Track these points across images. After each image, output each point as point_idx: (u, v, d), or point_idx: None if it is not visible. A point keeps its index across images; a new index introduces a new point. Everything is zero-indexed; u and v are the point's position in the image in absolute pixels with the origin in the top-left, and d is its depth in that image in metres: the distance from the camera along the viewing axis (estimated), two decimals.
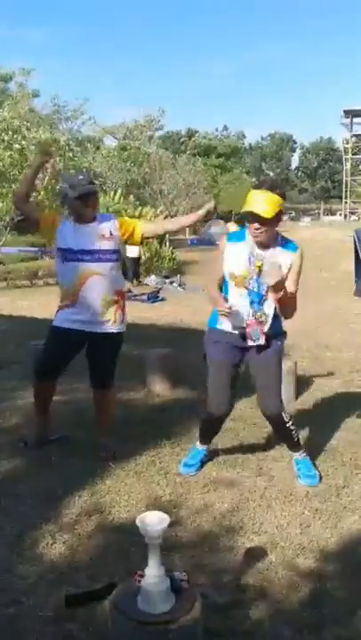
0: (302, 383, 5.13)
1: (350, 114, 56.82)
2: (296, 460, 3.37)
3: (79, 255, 3.42)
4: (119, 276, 3.61)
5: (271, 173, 69.73)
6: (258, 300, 3.07)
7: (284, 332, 3.26)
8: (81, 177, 3.46)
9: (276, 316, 3.13)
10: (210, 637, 2.00)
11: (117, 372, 3.70)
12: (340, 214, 55.44)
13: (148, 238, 3.68)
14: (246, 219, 3.03)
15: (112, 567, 2.46)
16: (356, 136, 58.70)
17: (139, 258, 16.49)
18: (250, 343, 3.10)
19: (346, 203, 56.10)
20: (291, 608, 2.24)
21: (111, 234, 3.47)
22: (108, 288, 3.46)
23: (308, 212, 58.63)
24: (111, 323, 3.50)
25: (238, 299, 3.08)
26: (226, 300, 3.10)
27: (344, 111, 57.13)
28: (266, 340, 3.11)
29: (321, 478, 3.31)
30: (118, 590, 2.01)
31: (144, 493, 3.13)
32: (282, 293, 2.94)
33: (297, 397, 4.81)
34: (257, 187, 3.02)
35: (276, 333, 3.18)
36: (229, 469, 3.43)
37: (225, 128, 67.64)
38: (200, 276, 15.46)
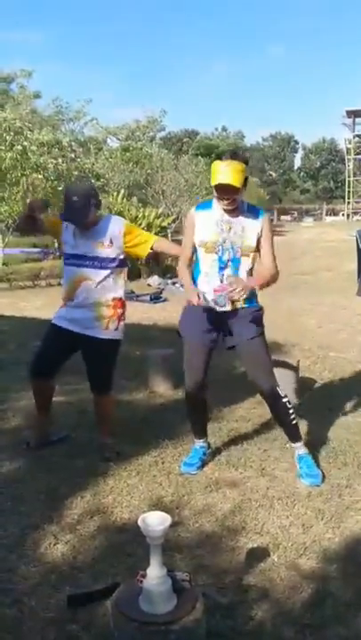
0: (305, 383, 5.12)
1: (353, 114, 56.72)
2: (299, 457, 3.37)
3: (76, 260, 3.47)
4: (119, 283, 3.56)
5: (274, 174, 69.73)
6: (228, 265, 3.10)
7: (261, 308, 3.28)
8: (75, 199, 3.34)
9: (251, 296, 3.17)
10: (212, 638, 1.99)
11: (119, 372, 3.71)
12: (343, 214, 55.37)
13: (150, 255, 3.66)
14: (216, 192, 3.07)
15: (114, 568, 2.45)
16: (359, 136, 58.59)
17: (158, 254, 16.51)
18: (217, 309, 3.09)
19: (348, 203, 56.00)
20: (293, 608, 2.23)
21: (111, 242, 3.45)
22: (101, 294, 3.47)
23: (310, 212, 58.57)
24: (104, 328, 3.49)
25: (210, 266, 3.13)
26: (194, 282, 3.18)
27: (346, 111, 57.06)
28: (244, 314, 3.16)
29: (324, 478, 3.30)
30: (120, 591, 2.01)
31: (146, 494, 3.13)
32: (262, 283, 3.12)
33: (299, 397, 4.80)
34: (219, 159, 3.07)
35: (253, 307, 3.21)
36: (231, 469, 3.43)
37: (224, 129, 67.70)
38: None
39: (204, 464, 3.45)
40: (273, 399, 3.29)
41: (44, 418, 3.78)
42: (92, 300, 3.46)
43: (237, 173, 2.98)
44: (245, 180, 3.05)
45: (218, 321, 3.17)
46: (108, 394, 3.65)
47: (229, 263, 3.11)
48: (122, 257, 3.52)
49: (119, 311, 3.54)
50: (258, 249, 3.17)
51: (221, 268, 3.11)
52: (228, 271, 3.10)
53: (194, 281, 3.21)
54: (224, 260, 3.10)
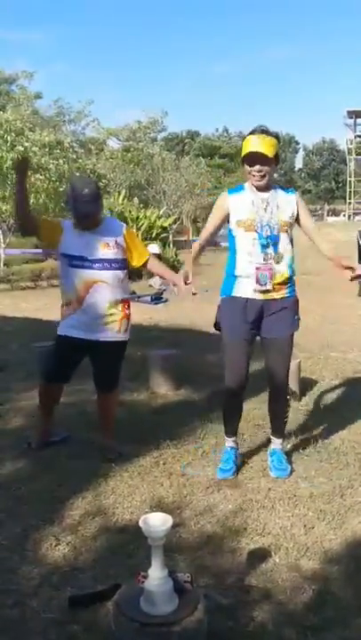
0: (306, 383, 5.12)
1: (354, 114, 56.73)
2: (273, 451, 3.44)
3: (85, 262, 3.40)
4: (125, 284, 3.59)
5: (276, 175, 69.65)
6: (268, 242, 3.13)
7: (297, 300, 3.32)
8: (86, 191, 3.31)
9: (291, 279, 3.23)
10: (213, 639, 1.99)
11: (121, 372, 3.70)
12: (344, 215, 55.33)
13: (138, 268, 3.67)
14: (245, 162, 3.13)
15: (116, 568, 2.45)
16: (360, 136, 58.58)
17: (159, 255, 16.52)
18: (257, 287, 3.13)
19: (350, 203, 55.98)
20: (295, 609, 2.22)
21: (116, 243, 3.45)
22: (113, 296, 3.46)
23: (312, 212, 58.58)
24: (116, 331, 3.50)
25: (251, 244, 3.14)
26: (233, 265, 3.21)
27: (348, 112, 57.07)
28: (284, 305, 3.21)
29: (292, 472, 3.36)
30: (121, 592, 2.01)
31: (147, 494, 3.13)
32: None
33: (301, 398, 4.80)
34: (251, 133, 3.11)
35: (291, 298, 3.26)
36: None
37: (225, 129, 67.70)
38: (204, 276, 15.44)
39: (239, 468, 3.42)
40: (281, 393, 3.41)
41: (48, 419, 3.79)
42: (104, 302, 3.44)
43: (269, 145, 3.04)
44: (277, 157, 3.10)
45: (258, 310, 3.20)
46: (115, 391, 3.68)
47: (269, 240, 3.13)
48: (125, 258, 3.52)
49: (127, 312, 3.56)
50: (293, 223, 3.22)
51: (263, 246, 3.13)
52: (269, 249, 3.13)
53: (231, 262, 3.24)
54: (264, 236, 3.13)
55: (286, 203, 3.19)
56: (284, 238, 3.17)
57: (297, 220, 3.23)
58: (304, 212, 3.26)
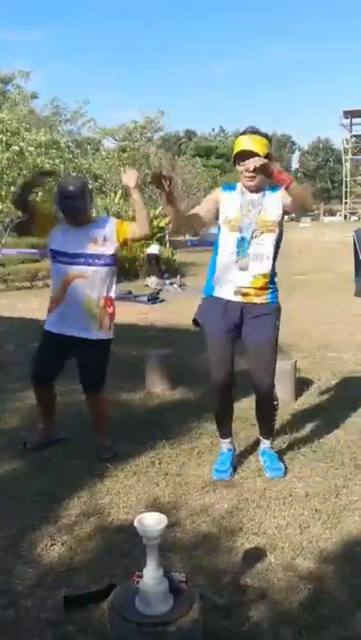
0: (302, 383, 5.13)
1: (350, 114, 56.84)
2: (263, 451, 3.45)
3: (68, 258, 3.44)
4: (111, 282, 3.57)
5: None
6: (251, 244, 3.13)
7: (279, 307, 3.30)
8: (71, 188, 3.39)
9: (275, 284, 3.23)
10: (209, 639, 1.99)
11: (117, 372, 3.71)
12: (340, 215, 55.42)
13: (133, 241, 3.67)
14: (236, 162, 3.13)
15: (111, 568, 2.45)
16: (356, 136, 58.69)
17: (159, 255, 16.52)
18: (237, 289, 3.13)
19: (346, 203, 56.07)
20: (290, 609, 2.23)
21: (105, 239, 3.45)
22: (94, 292, 3.46)
23: (308, 212, 58.57)
24: (96, 329, 3.50)
25: (233, 245, 3.15)
26: (214, 265, 3.21)
27: (344, 112, 57.16)
28: (265, 311, 3.20)
29: (286, 470, 3.35)
30: (117, 592, 2.01)
31: (143, 494, 3.13)
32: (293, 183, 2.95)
33: (297, 398, 4.80)
34: (242, 134, 3.13)
35: (273, 305, 3.24)
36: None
37: (222, 129, 67.75)
38: (200, 277, 15.45)
39: (235, 469, 3.42)
40: (266, 398, 3.38)
41: (48, 420, 3.80)
42: (83, 298, 3.45)
43: (259, 144, 3.05)
44: (269, 158, 3.06)
45: (238, 313, 3.20)
46: (100, 391, 3.66)
47: (252, 241, 3.13)
48: (113, 253, 3.52)
49: (110, 310, 3.55)
50: (281, 222, 3.20)
51: (245, 247, 3.13)
52: (251, 249, 3.13)
53: (214, 264, 3.25)
54: (247, 239, 3.13)
55: (273, 203, 3.16)
56: (268, 240, 3.14)
57: (285, 212, 3.19)
58: (286, 196, 3.16)
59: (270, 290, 3.21)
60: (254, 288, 3.15)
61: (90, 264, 3.44)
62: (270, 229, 3.15)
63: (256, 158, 2.89)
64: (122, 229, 3.55)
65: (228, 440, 3.48)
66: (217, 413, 3.49)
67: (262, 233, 3.14)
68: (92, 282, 3.45)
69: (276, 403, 3.43)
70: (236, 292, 3.16)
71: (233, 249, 3.15)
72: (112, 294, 3.59)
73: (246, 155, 3.03)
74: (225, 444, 3.47)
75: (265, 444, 3.49)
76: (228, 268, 3.17)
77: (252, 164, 2.86)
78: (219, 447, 3.51)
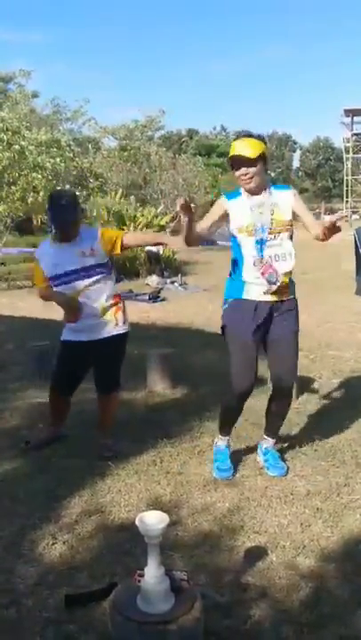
0: (303, 382, 5.11)
1: (351, 113, 56.69)
2: (266, 450, 3.44)
3: (65, 278, 3.46)
4: (112, 282, 3.63)
5: (273, 174, 69.67)
6: (270, 245, 3.13)
7: (296, 300, 3.32)
8: (63, 201, 3.42)
9: (291, 279, 3.23)
10: (210, 637, 1.99)
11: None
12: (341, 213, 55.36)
13: (128, 248, 3.68)
14: (233, 167, 3.13)
15: (112, 567, 2.45)
16: (357, 135, 58.56)
17: (158, 253, 16.50)
18: (268, 289, 3.13)
19: (347, 202, 55.99)
20: (292, 607, 2.23)
21: (92, 250, 3.46)
22: (102, 296, 3.52)
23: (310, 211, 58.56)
24: (113, 325, 3.55)
25: (254, 249, 3.14)
26: (239, 270, 3.20)
27: (345, 110, 57.03)
28: (288, 306, 3.22)
29: (288, 470, 3.36)
30: (118, 590, 2.01)
31: (144, 493, 3.13)
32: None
33: (298, 396, 4.79)
34: (235, 139, 3.15)
35: (294, 298, 3.28)
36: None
37: (223, 128, 67.65)
38: (201, 276, 15.45)
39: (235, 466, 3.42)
40: (287, 395, 3.41)
41: (57, 426, 3.85)
42: (97, 304, 3.50)
43: (252, 147, 3.05)
44: (264, 157, 3.09)
45: (267, 313, 3.20)
46: (116, 392, 3.71)
47: (271, 242, 3.14)
48: (107, 262, 3.55)
49: (120, 305, 3.61)
50: (293, 221, 3.20)
51: (266, 249, 3.13)
52: (270, 251, 3.13)
53: (237, 268, 3.23)
54: (265, 240, 3.13)
55: (284, 201, 3.18)
56: (285, 238, 3.16)
57: (295, 216, 3.21)
58: (300, 205, 3.24)
59: (290, 284, 3.25)
60: (282, 286, 3.16)
61: (90, 275, 3.47)
62: (287, 228, 3.17)
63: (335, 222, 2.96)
64: (106, 238, 3.54)
65: (228, 438, 3.48)
66: (226, 414, 3.46)
67: (280, 232, 3.14)
68: (97, 290, 3.50)
69: (291, 401, 3.46)
70: (266, 292, 3.15)
71: (254, 252, 3.14)
72: (117, 291, 3.67)
73: (239, 160, 3.05)
74: (223, 441, 3.47)
75: (269, 442, 3.47)
76: (254, 272, 3.15)
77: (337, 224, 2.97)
78: (216, 444, 3.50)
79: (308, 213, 3.28)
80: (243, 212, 3.17)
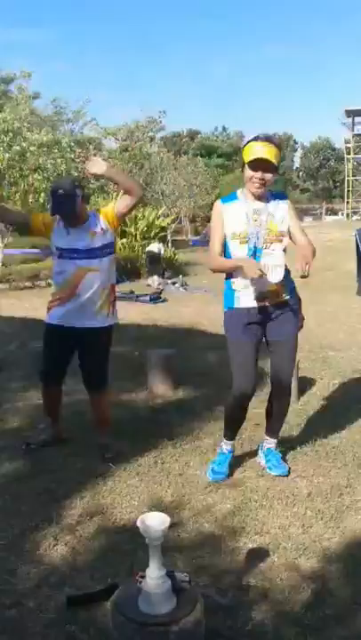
0: (304, 383, 5.12)
1: (352, 114, 56.70)
2: (268, 450, 3.44)
3: (75, 254, 3.45)
4: (113, 270, 3.62)
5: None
6: (263, 254, 3.12)
7: (299, 300, 3.32)
8: (60, 191, 3.38)
9: (287, 277, 3.20)
10: (212, 638, 1.99)
11: (119, 372, 3.71)
12: (342, 214, 55.30)
13: (126, 214, 3.67)
14: (249, 168, 3.07)
15: (114, 568, 2.45)
16: (358, 135, 58.55)
17: (158, 253, 16.50)
18: (257, 297, 3.13)
19: (348, 202, 55.96)
20: (293, 609, 2.22)
21: (102, 230, 3.48)
22: (103, 283, 3.51)
23: (310, 211, 58.55)
24: (105, 315, 3.55)
25: (242, 255, 3.13)
26: (230, 276, 3.18)
27: (346, 111, 57.03)
28: (287, 307, 3.22)
29: (289, 471, 3.35)
30: (119, 591, 2.01)
31: (146, 494, 3.12)
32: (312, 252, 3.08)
33: (299, 397, 4.79)
34: (254, 139, 3.09)
35: (292, 298, 3.26)
36: (231, 470, 3.42)
37: (224, 129, 67.68)
38: (202, 276, 15.43)
39: (236, 468, 3.43)
40: (286, 394, 3.42)
41: (55, 422, 3.83)
42: (97, 290, 3.48)
43: (275, 154, 3.04)
44: (278, 166, 3.09)
45: (262, 315, 3.20)
46: (106, 389, 3.68)
47: (264, 251, 3.13)
48: (113, 240, 3.55)
49: (112, 297, 3.60)
50: (287, 233, 3.19)
51: (258, 257, 3.12)
52: (264, 259, 3.11)
53: (229, 277, 3.23)
54: (259, 248, 3.12)
55: (281, 212, 3.16)
56: (277, 249, 3.14)
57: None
58: (293, 215, 3.23)
59: (287, 287, 3.23)
60: (273, 291, 3.15)
61: (98, 256, 3.46)
62: (279, 239, 3.15)
63: (305, 263, 2.95)
64: (108, 214, 3.54)
65: (232, 442, 3.47)
66: (231, 418, 3.44)
67: (272, 242, 3.12)
68: (102, 273, 3.49)
69: (290, 401, 3.46)
70: (256, 298, 3.16)
71: (245, 258, 3.12)
72: (114, 280, 3.66)
73: (262, 164, 3.02)
74: (227, 446, 3.45)
75: (270, 443, 3.47)
76: (243, 279, 3.14)
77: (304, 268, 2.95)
78: (220, 446, 3.49)
79: (298, 230, 3.22)
80: (238, 217, 3.15)
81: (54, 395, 3.76)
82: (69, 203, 3.36)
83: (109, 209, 3.58)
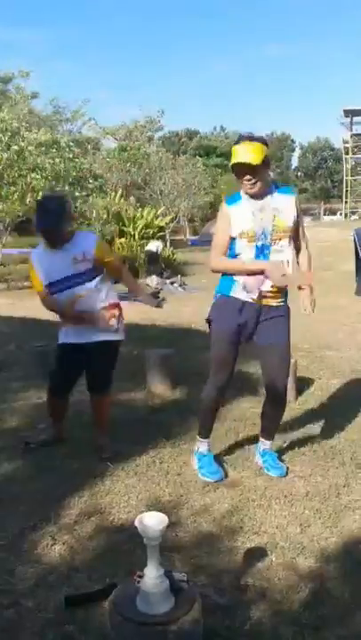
0: (303, 382, 5.12)
1: (350, 113, 56.77)
2: (264, 452, 3.44)
3: (58, 285, 3.46)
4: (107, 288, 3.60)
5: (272, 174, 69.56)
6: (270, 251, 3.12)
7: (289, 307, 3.30)
8: (50, 205, 3.43)
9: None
10: (210, 638, 1.99)
11: (117, 372, 3.71)
12: (341, 214, 55.35)
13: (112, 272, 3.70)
14: (236, 173, 3.09)
15: (112, 568, 2.45)
16: (356, 135, 58.61)
17: (157, 252, 16.50)
18: (257, 295, 3.14)
19: (346, 202, 56.02)
20: (291, 608, 2.23)
21: (84, 256, 3.44)
22: (98, 303, 3.51)
23: (308, 211, 58.58)
24: (107, 332, 3.54)
25: (249, 253, 3.13)
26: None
27: (344, 111, 57.08)
28: (280, 312, 3.22)
29: (288, 470, 3.36)
30: (118, 591, 2.01)
31: (144, 494, 3.13)
32: (308, 279, 3.17)
33: (297, 397, 4.80)
34: (237, 142, 3.08)
35: (286, 305, 3.27)
36: (229, 469, 3.43)
37: (222, 128, 67.69)
38: (200, 276, 15.43)
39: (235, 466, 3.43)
40: (281, 399, 3.38)
41: (57, 425, 3.87)
42: (92, 310, 3.50)
43: (254, 152, 3.00)
44: (267, 161, 3.04)
45: (254, 315, 3.19)
46: (108, 393, 3.70)
47: (272, 248, 3.12)
48: (97, 266, 3.54)
49: (116, 313, 3.58)
50: (293, 228, 3.18)
51: (266, 255, 3.12)
52: (272, 256, 3.11)
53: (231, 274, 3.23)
54: (267, 245, 3.11)
55: (287, 206, 3.14)
56: (285, 245, 3.13)
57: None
58: (299, 216, 3.23)
59: (284, 292, 3.22)
60: (274, 292, 3.15)
61: (81, 282, 3.46)
62: (288, 235, 3.14)
63: (282, 272, 3.01)
64: (101, 250, 3.56)
65: (208, 440, 3.45)
66: (205, 412, 3.42)
67: (280, 239, 3.11)
68: (91, 296, 3.50)
69: (285, 405, 3.43)
70: (255, 296, 3.15)
71: (252, 257, 3.13)
72: (113, 298, 3.62)
73: (242, 167, 3.02)
74: (204, 445, 3.41)
75: (266, 445, 3.47)
76: (248, 277, 3.15)
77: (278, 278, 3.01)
78: (197, 450, 3.42)
79: (300, 231, 3.25)
80: (244, 216, 3.13)
81: (61, 404, 3.83)
82: (57, 215, 3.36)
83: (108, 254, 3.66)
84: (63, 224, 3.39)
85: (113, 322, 3.53)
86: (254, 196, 3.11)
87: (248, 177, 3.03)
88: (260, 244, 3.11)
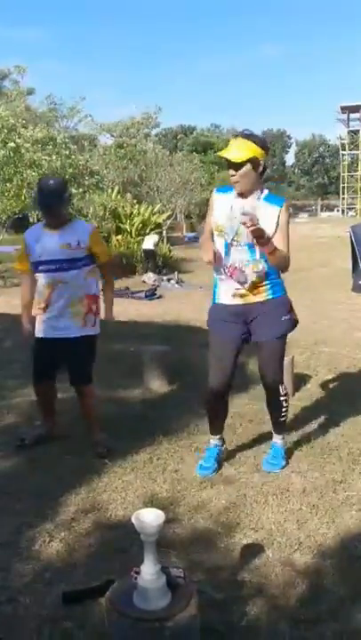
0: (300, 379, 5.13)
1: (347, 110, 56.72)
2: (272, 445, 3.47)
3: (44, 265, 3.50)
4: (90, 281, 3.62)
5: (268, 170, 69.50)
6: (240, 249, 3.09)
7: (285, 300, 3.25)
8: (51, 182, 3.49)
9: (275, 278, 3.17)
10: (207, 634, 1.99)
11: (114, 369, 3.72)
12: (338, 210, 55.38)
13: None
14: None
15: (109, 564, 2.45)
16: (353, 132, 58.58)
17: (154, 250, 16.50)
18: (234, 292, 3.13)
19: (343, 199, 56.01)
20: (288, 604, 2.23)
21: (78, 244, 3.48)
22: (75, 294, 3.53)
23: (305, 208, 58.54)
24: (80, 326, 3.56)
25: (222, 249, 3.12)
26: (215, 252, 3.10)
27: (341, 107, 57.03)
28: (271, 307, 3.17)
29: (284, 467, 3.37)
30: (115, 587, 2.00)
31: (141, 490, 3.13)
32: (268, 246, 2.97)
33: (294, 393, 4.80)
34: (235, 136, 3.08)
35: (275, 299, 3.19)
36: (226, 466, 3.43)
37: (216, 126, 67.65)
38: (197, 273, 15.44)
39: (220, 465, 3.41)
40: (273, 395, 3.38)
41: (49, 419, 3.86)
42: (67, 300, 3.52)
43: (240, 150, 2.98)
44: (256, 162, 2.99)
45: (241, 315, 3.19)
46: (87, 385, 3.70)
47: (235, 247, 3.09)
48: (88, 255, 3.56)
49: (93, 307, 3.60)
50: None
51: (233, 252, 3.09)
52: (236, 256, 3.09)
53: (215, 270, 3.23)
54: (241, 243, 3.08)
55: (268, 216, 3.04)
56: (254, 247, 3.07)
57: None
58: (282, 224, 3.07)
59: (269, 285, 3.16)
60: (255, 286, 3.12)
61: (66, 269, 3.49)
62: (254, 242, 3.02)
63: (251, 219, 2.86)
64: (95, 242, 3.60)
65: (218, 437, 3.46)
66: (210, 413, 3.45)
67: (252, 240, 3.02)
68: (74, 284, 3.51)
69: (283, 399, 3.39)
70: (233, 295, 3.15)
71: (223, 253, 3.11)
72: (95, 291, 3.66)
73: (227, 162, 3.00)
74: (213, 440, 3.46)
75: (276, 438, 3.49)
76: (222, 272, 3.16)
77: (247, 221, 2.86)
78: (208, 442, 3.49)
79: (282, 233, 3.06)
80: (223, 209, 3.12)
81: (47, 392, 3.80)
82: (56, 194, 3.43)
83: (102, 250, 3.69)
84: (63, 203, 3.48)
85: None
86: (240, 194, 3.09)
87: (231, 172, 3.02)
88: (229, 240, 3.09)
